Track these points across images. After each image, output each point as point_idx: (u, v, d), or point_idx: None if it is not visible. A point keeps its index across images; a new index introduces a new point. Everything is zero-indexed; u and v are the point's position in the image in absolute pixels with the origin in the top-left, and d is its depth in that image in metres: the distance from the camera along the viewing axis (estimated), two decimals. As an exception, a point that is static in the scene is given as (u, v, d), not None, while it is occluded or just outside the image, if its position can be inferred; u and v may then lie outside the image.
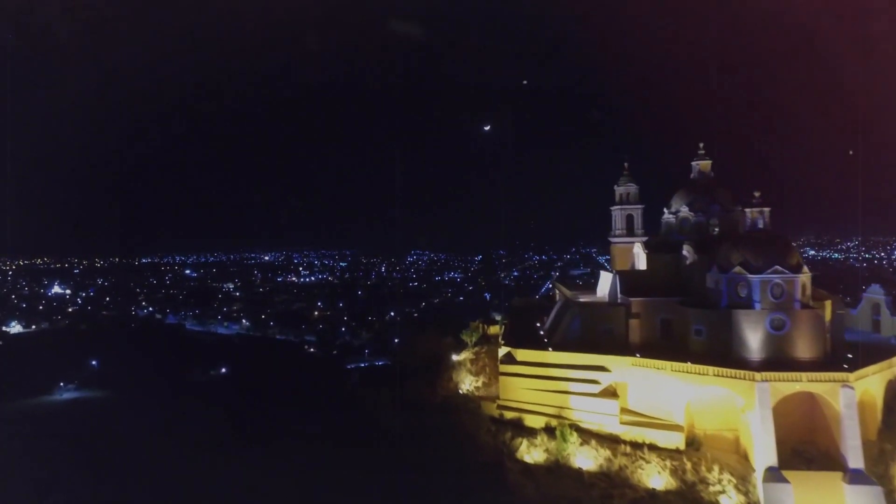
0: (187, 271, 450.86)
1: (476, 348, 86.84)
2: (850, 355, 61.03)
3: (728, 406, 62.10)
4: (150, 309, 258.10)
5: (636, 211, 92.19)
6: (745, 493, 55.80)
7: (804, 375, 57.54)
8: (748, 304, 64.24)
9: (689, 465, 58.80)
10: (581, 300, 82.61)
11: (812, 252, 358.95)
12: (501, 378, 72.70)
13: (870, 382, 60.74)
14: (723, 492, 56.45)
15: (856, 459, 54.48)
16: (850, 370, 57.45)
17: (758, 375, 57.53)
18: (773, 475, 54.42)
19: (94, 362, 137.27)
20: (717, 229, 79.54)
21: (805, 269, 64.87)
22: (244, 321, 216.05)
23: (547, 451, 64.46)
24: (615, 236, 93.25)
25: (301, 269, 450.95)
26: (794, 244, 69.67)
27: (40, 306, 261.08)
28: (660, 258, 79.08)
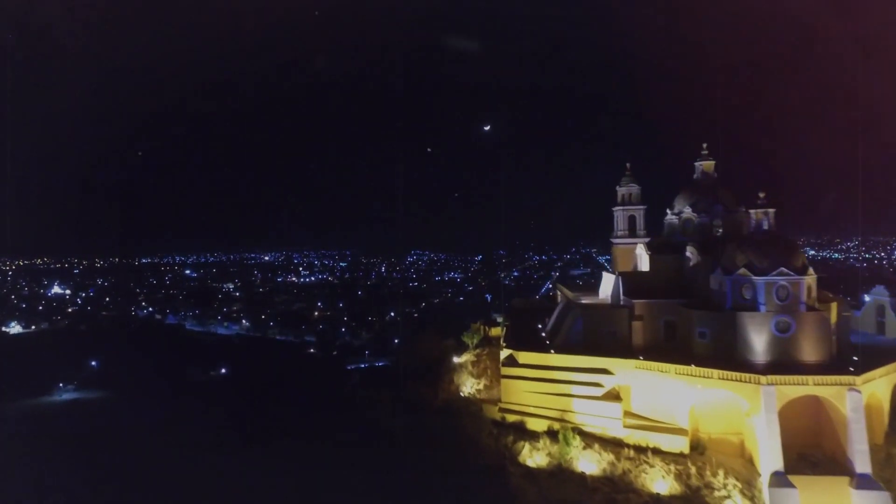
0: (187, 271, 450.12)
1: (477, 350, 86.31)
2: (856, 358, 60.49)
3: (733, 409, 61.50)
4: (150, 309, 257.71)
5: (638, 212, 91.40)
6: (751, 498, 55.24)
7: (810, 379, 56.95)
8: (753, 307, 63.52)
9: (693, 470, 58.23)
10: (583, 302, 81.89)
11: (812, 252, 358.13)
12: (503, 381, 72.18)
13: (876, 386, 60.15)
14: (728, 497, 55.86)
15: (863, 464, 53.90)
16: (857, 373, 56.79)
17: (763, 379, 56.95)
18: (779, 480, 53.86)
19: (93, 363, 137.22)
20: (720, 230, 78.81)
21: (810, 270, 64.22)
22: (244, 321, 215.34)
23: (549, 454, 63.93)
24: (617, 237, 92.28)
25: (301, 269, 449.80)
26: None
27: (40, 306, 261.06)
28: (663, 259, 78.37)
